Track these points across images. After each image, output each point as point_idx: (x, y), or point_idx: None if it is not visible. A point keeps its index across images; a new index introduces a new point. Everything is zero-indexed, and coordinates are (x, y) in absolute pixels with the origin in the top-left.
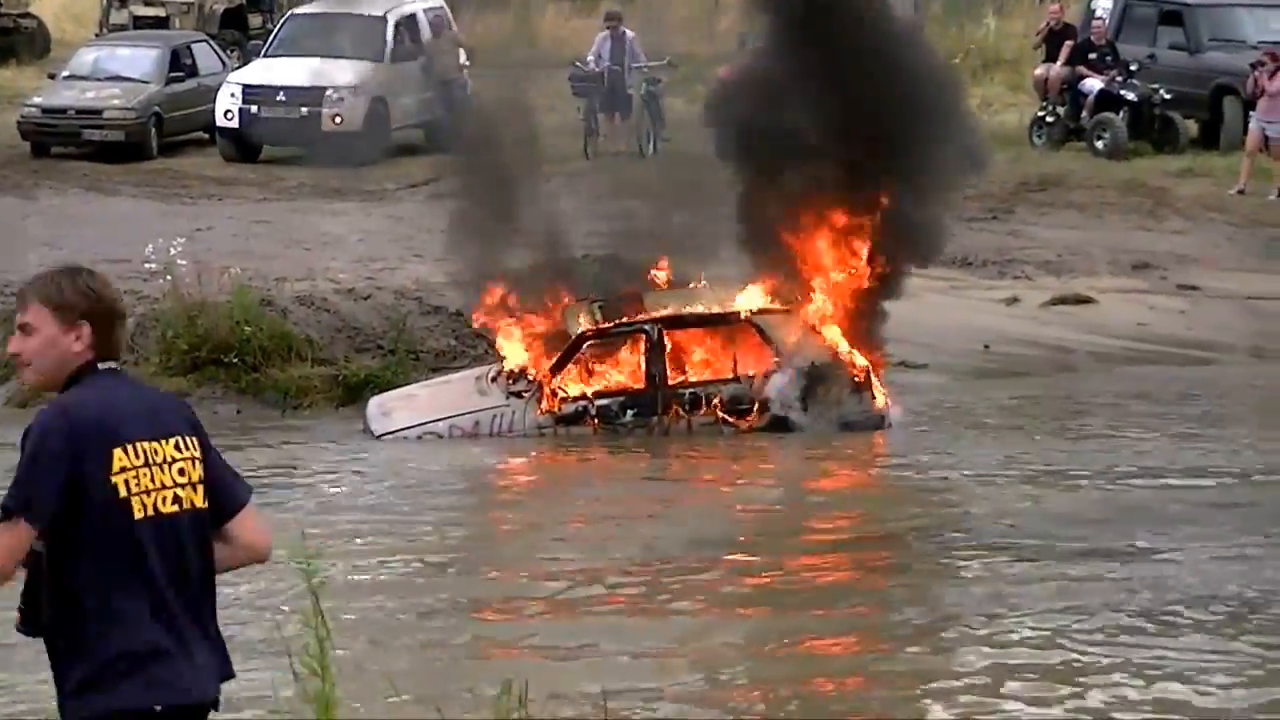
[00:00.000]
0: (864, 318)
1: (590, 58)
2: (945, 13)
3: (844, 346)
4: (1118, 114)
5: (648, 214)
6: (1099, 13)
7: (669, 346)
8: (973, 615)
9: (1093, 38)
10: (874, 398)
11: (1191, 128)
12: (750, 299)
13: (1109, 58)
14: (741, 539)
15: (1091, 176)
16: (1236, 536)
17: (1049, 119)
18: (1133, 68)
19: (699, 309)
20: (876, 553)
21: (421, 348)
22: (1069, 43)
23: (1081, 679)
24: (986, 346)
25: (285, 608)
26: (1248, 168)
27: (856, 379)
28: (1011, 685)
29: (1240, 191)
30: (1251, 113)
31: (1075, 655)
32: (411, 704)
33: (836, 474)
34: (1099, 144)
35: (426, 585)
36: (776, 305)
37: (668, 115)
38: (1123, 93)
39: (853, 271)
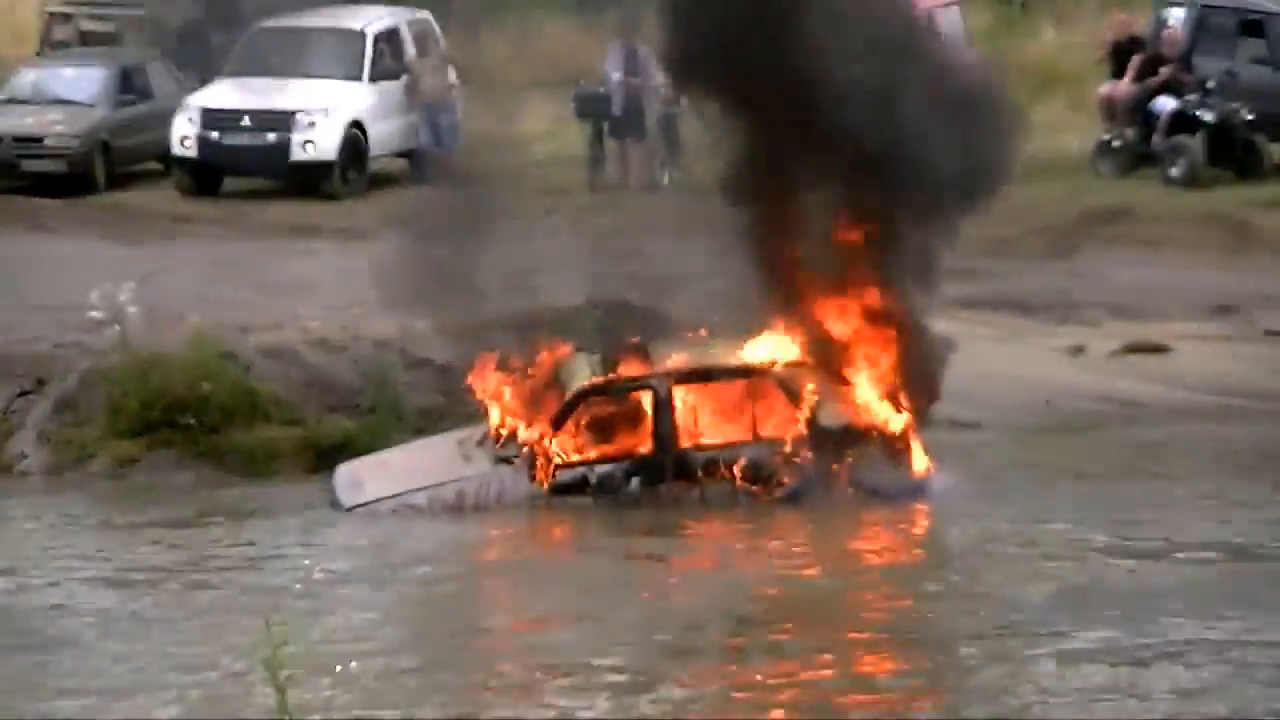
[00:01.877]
0: (904, 369)
1: (608, 66)
2: (998, 24)
3: (879, 403)
4: (1194, 137)
5: (661, 255)
6: (1171, 22)
7: (680, 404)
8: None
9: (1164, 51)
10: (913, 462)
11: (1277, 152)
12: (772, 349)
13: (1183, 73)
14: (758, 631)
15: (1165, 208)
16: None
17: (1116, 143)
18: (1210, 85)
19: (714, 361)
20: (913, 646)
21: (404, 406)
22: (1137, 56)
23: None
24: (1048, 401)
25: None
26: None
27: (892, 441)
28: None
29: None
30: None
31: None
32: None
33: (867, 552)
34: (1173, 171)
35: (403, 686)
36: (802, 356)
37: (687, 142)
38: (1199, 113)
39: (887, 317)
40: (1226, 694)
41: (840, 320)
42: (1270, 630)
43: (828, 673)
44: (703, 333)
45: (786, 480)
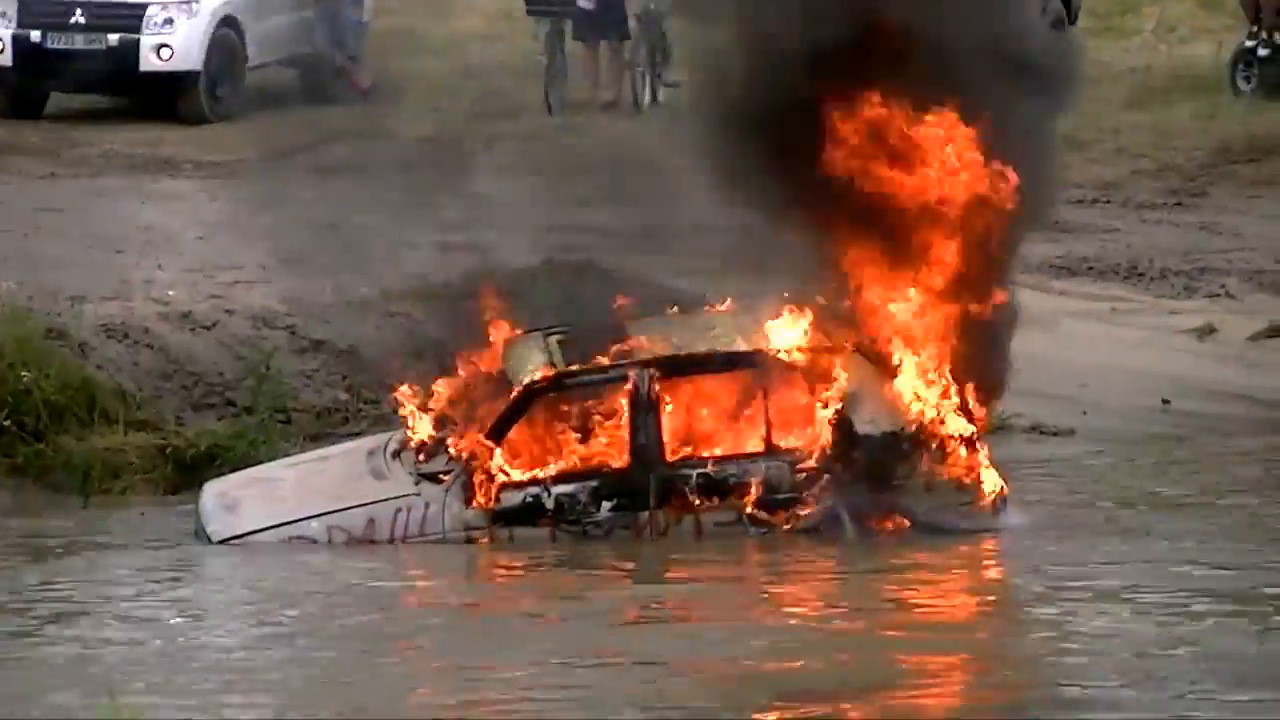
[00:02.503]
0: (970, 358)
1: None
2: None
3: (937, 404)
4: None
5: (645, 197)
6: None
7: (668, 404)
8: None
9: None
10: (981, 484)
11: None
12: (791, 330)
13: None
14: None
15: None
16: None
17: (1263, 51)
18: None
19: (713, 345)
20: None
21: (294, 404)
22: None
23: None
24: (1166, 402)
25: None
26: None
27: (955, 455)
28: None
29: None
30: None
31: None
32: None
33: (914, 607)
34: None
35: None
36: (836, 338)
37: (678, 46)
38: None
39: (949, 286)
40: None
41: (893, 287)
42: None
43: None
44: (723, 306)
45: (810, 507)
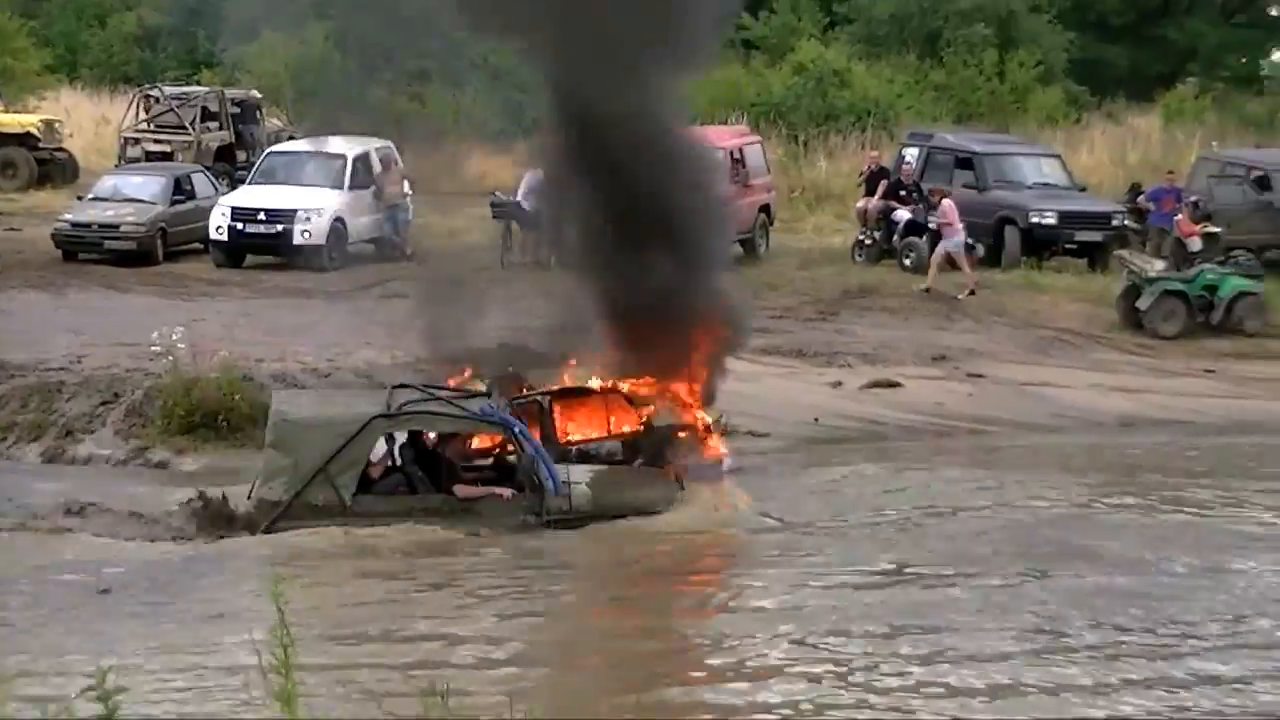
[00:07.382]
0: (705, 389)
1: (523, 183)
2: (787, 157)
3: (691, 410)
4: (921, 238)
5: (547, 311)
6: (908, 158)
7: (558, 413)
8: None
9: (902, 178)
10: (714, 450)
11: (979, 249)
12: (622, 376)
13: (915, 194)
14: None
15: (900, 287)
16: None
17: (867, 241)
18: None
19: (582, 383)
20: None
21: None
22: (884, 182)
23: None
24: (816, 419)
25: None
26: (933, 275)
27: (699, 435)
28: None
29: (926, 290)
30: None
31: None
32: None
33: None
34: (906, 261)
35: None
36: (643, 379)
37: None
38: (925, 221)
39: (693, 353)
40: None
41: (668, 353)
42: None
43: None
44: (573, 363)
45: (631, 462)
